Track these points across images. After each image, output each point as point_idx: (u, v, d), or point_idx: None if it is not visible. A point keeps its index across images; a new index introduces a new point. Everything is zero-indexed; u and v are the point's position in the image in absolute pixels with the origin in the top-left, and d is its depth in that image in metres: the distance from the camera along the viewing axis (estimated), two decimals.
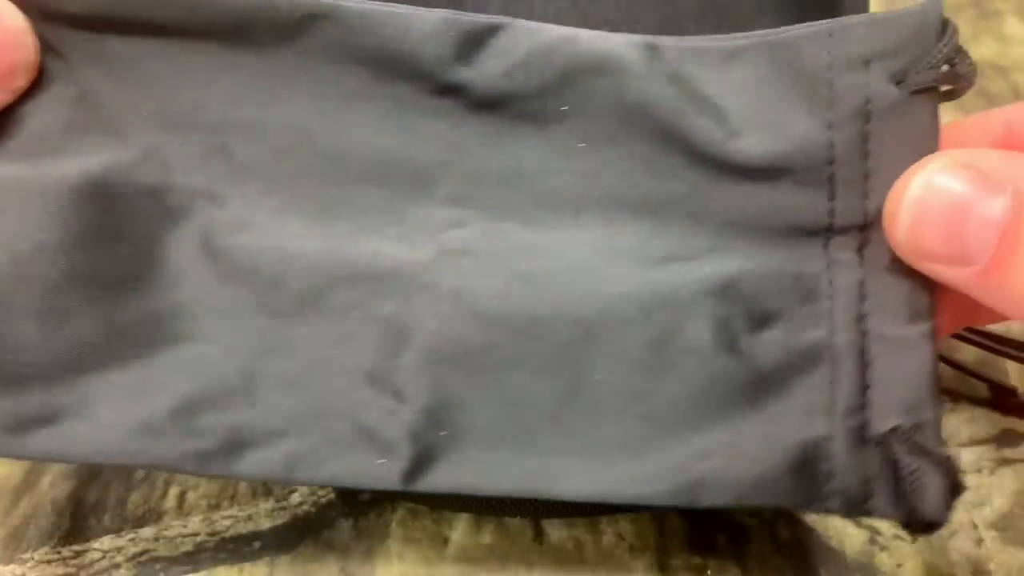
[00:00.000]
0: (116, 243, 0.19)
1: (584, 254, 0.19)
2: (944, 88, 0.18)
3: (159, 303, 0.19)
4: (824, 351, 0.19)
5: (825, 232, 0.19)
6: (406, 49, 0.19)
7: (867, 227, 0.19)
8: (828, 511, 0.18)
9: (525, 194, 0.20)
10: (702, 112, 0.19)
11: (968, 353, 0.28)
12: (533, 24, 0.19)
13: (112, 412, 0.19)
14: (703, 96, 0.19)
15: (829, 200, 0.19)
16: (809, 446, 0.18)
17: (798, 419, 0.19)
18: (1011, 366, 0.28)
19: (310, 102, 0.20)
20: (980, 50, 0.39)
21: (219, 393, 0.19)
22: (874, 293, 0.19)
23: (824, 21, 0.18)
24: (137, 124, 0.20)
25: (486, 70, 0.19)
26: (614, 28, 0.20)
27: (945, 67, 0.18)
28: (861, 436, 0.18)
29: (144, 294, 0.19)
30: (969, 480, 0.26)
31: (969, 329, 0.28)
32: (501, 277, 0.19)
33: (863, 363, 0.18)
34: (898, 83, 0.18)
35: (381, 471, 0.19)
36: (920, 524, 0.18)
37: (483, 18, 0.19)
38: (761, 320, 0.19)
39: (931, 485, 0.18)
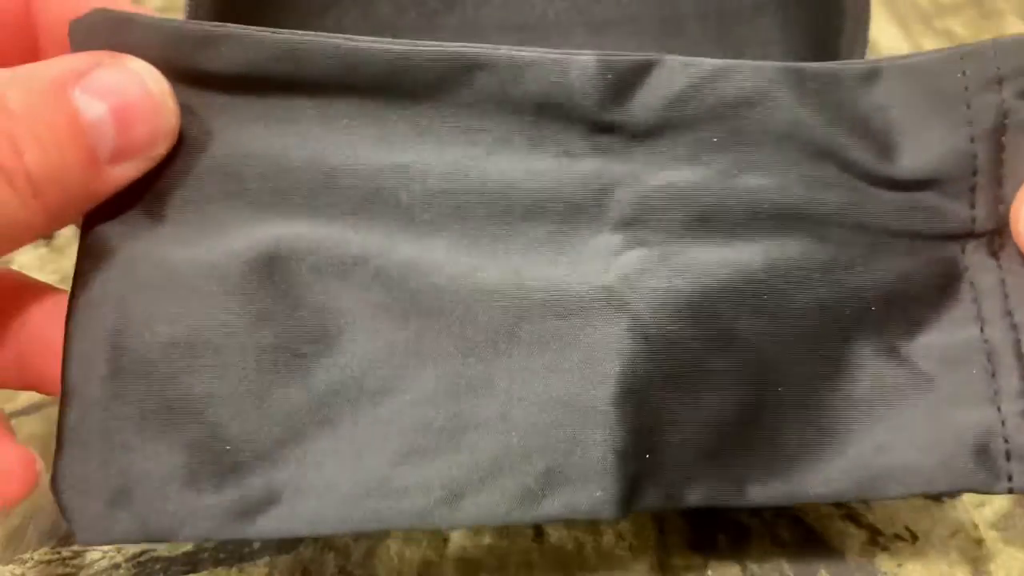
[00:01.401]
0: (296, 310, 0.19)
1: (754, 270, 0.20)
2: None
3: (350, 361, 0.19)
4: (978, 347, 0.20)
5: (964, 238, 0.21)
6: (564, 93, 0.19)
7: (999, 230, 0.20)
8: (1013, 491, 0.20)
9: (688, 214, 0.20)
10: (853, 132, 0.20)
11: None
12: (685, 59, 0.20)
13: (330, 481, 0.19)
14: (852, 118, 0.20)
15: (970, 208, 0.20)
16: (983, 432, 0.20)
17: (966, 409, 0.20)
18: None
19: (464, 147, 0.20)
20: None
21: (428, 442, 0.19)
22: (1016, 289, 0.20)
23: (952, 47, 0.20)
24: (290, 183, 0.19)
25: (644, 105, 0.20)
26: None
27: None
28: None
29: (334, 356, 0.19)
30: None
31: None
32: (686, 295, 0.19)
33: (1019, 352, 0.20)
34: None
35: (600, 502, 0.19)
36: None
37: (637, 56, 0.20)
38: (915, 323, 0.21)
39: None
